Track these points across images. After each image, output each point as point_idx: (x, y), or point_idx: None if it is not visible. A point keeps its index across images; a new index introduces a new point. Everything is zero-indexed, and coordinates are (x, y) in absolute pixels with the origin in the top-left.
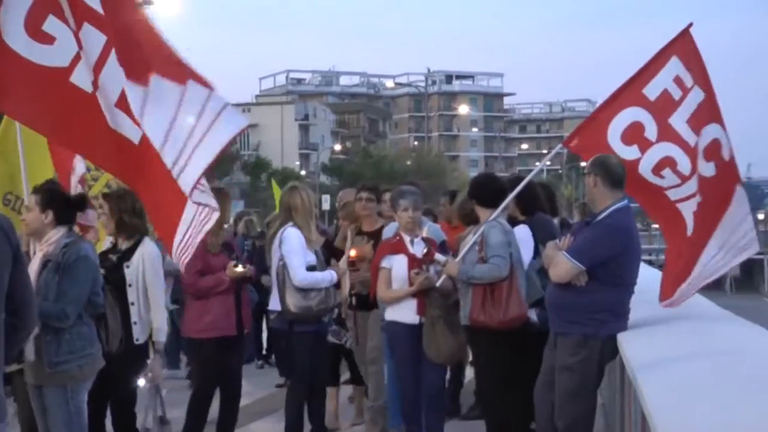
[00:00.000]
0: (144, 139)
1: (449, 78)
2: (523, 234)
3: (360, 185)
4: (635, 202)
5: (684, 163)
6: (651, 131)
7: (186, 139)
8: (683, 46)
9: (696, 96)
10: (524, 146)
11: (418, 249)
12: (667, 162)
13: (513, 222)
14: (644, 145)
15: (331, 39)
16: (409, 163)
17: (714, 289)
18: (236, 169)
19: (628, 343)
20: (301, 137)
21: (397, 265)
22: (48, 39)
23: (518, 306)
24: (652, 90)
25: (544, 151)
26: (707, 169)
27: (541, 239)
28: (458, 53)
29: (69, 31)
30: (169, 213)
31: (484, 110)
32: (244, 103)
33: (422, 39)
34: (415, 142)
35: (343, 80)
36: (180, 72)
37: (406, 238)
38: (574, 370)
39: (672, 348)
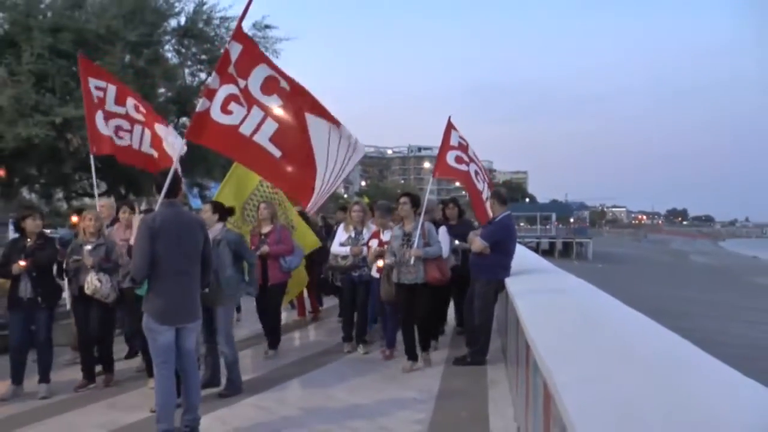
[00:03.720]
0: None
1: (419, 149)
2: (443, 232)
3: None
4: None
5: (482, 173)
6: (466, 158)
7: (333, 167)
8: (450, 125)
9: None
10: (457, 183)
11: (388, 236)
12: (477, 174)
13: (443, 223)
14: (466, 163)
15: (358, 124)
16: (399, 191)
17: (549, 256)
18: None
19: (510, 283)
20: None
21: (374, 245)
22: (229, 112)
23: (449, 270)
24: (454, 141)
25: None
26: None
27: (467, 231)
28: (426, 132)
29: (242, 108)
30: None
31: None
32: None
33: (406, 125)
34: (402, 181)
35: (366, 149)
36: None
37: (381, 230)
38: (482, 297)
39: (531, 285)
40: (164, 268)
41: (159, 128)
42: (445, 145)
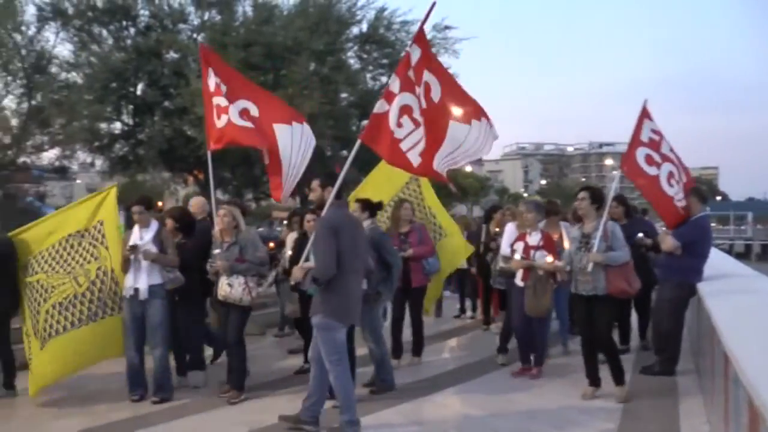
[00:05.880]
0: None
1: (600, 145)
2: None
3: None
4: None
5: (677, 174)
6: (657, 158)
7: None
8: (645, 113)
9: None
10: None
11: (534, 239)
12: (671, 176)
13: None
14: (657, 165)
15: (537, 121)
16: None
17: (744, 259)
18: (491, 193)
19: (701, 286)
20: (523, 176)
21: (518, 248)
22: (399, 125)
23: (638, 280)
24: (644, 136)
25: None
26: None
27: (638, 231)
28: (609, 127)
29: (411, 124)
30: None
31: (621, 162)
32: (494, 159)
33: (588, 121)
34: (583, 179)
35: (546, 147)
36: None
37: (528, 231)
38: (671, 301)
39: (727, 290)
40: (343, 267)
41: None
42: (635, 140)
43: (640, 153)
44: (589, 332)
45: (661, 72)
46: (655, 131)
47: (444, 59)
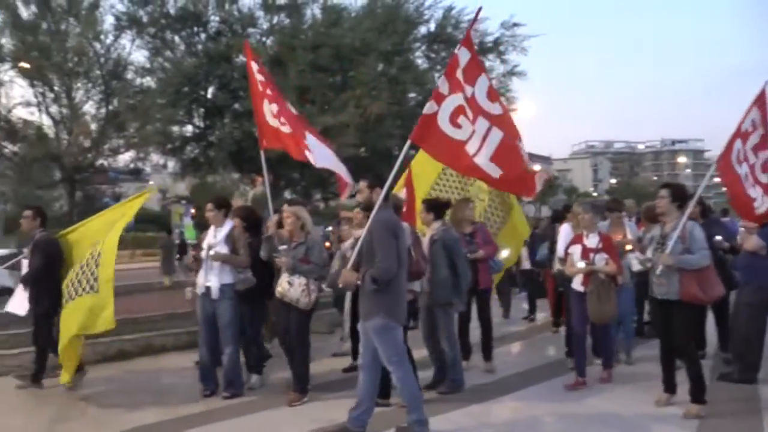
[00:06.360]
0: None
1: (673, 142)
2: None
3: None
4: None
5: (752, 177)
6: (741, 155)
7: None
8: (762, 97)
9: (758, 132)
10: (716, 179)
11: (592, 241)
12: (746, 179)
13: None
14: (740, 162)
15: (605, 118)
16: (652, 189)
17: None
18: (560, 192)
19: None
20: (593, 175)
21: (575, 251)
22: (458, 126)
23: (720, 286)
24: (744, 126)
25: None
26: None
27: (715, 232)
28: (681, 123)
29: (469, 123)
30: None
31: (694, 159)
32: (563, 158)
33: (660, 116)
34: (654, 178)
35: (616, 145)
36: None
37: (585, 233)
38: (753, 304)
39: None
40: (400, 267)
41: (309, 138)
42: (738, 130)
43: (736, 147)
44: (666, 337)
45: (742, 63)
46: (756, 123)
47: (512, 57)
